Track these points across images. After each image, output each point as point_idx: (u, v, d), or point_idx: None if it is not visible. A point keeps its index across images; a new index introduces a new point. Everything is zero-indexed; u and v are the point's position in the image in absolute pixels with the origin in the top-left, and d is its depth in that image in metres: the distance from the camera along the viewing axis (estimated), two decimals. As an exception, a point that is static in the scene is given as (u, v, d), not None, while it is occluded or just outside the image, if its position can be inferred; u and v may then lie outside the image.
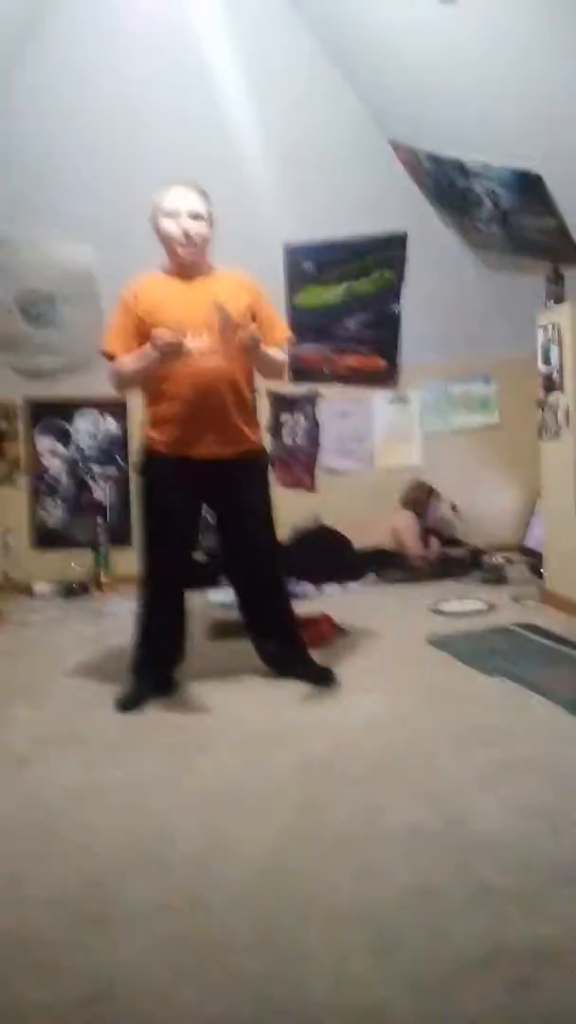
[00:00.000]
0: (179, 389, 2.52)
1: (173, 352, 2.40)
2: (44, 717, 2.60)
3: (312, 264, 4.77)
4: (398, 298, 4.88)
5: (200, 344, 2.48)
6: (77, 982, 1.28)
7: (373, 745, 2.20)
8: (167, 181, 2.56)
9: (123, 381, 2.62)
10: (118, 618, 3.91)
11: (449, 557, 4.68)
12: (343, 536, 4.69)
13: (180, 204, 2.50)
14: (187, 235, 2.50)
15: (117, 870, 1.62)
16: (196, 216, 2.51)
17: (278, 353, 2.70)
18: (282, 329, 2.79)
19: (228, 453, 2.60)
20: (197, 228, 2.51)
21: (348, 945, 1.34)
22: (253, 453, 2.69)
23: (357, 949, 1.33)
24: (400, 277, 4.81)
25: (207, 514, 2.79)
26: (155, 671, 2.72)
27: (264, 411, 4.57)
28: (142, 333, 2.51)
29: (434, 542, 4.77)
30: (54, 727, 2.50)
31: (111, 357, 2.59)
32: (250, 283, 2.67)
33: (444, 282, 4.75)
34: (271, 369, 2.71)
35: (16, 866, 1.67)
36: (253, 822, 1.79)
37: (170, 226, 2.50)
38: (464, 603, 3.81)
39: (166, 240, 2.53)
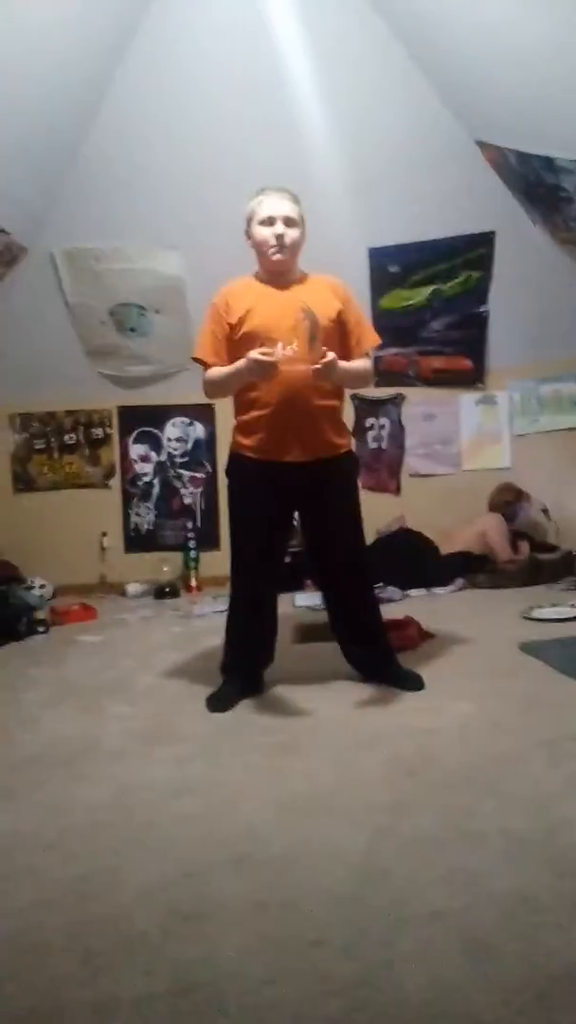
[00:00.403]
0: (268, 396, 2.54)
1: (265, 373, 2.41)
2: (137, 714, 2.68)
3: (398, 267, 4.75)
4: (485, 298, 4.81)
5: (289, 352, 2.49)
6: (171, 975, 1.32)
7: (463, 750, 2.17)
8: (259, 187, 2.59)
9: (215, 391, 2.65)
10: (207, 619, 3.99)
11: (539, 562, 4.56)
12: (428, 540, 4.64)
13: (275, 210, 2.51)
14: (281, 241, 2.51)
15: (210, 866, 1.66)
16: (290, 222, 2.53)
17: (363, 363, 2.68)
18: (370, 335, 2.75)
19: (315, 458, 2.60)
20: (291, 234, 2.52)
21: (442, 950, 1.33)
22: (340, 458, 2.69)
23: (451, 954, 1.31)
24: (487, 277, 4.74)
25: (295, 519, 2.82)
26: (244, 672, 2.76)
27: (348, 415, 4.57)
28: (232, 339, 2.56)
29: (524, 546, 4.66)
30: (147, 724, 2.57)
31: (203, 364, 2.63)
32: (341, 288, 2.67)
33: (532, 281, 4.65)
34: (356, 380, 2.73)
35: (113, 859, 1.72)
36: (344, 823, 1.80)
37: (264, 232, 2.52)
38: (557, 609, 3.70)
39: (259, 246, 2.56)
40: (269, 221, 2.52)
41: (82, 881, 1.64)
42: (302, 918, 1.45)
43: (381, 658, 2.80)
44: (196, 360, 2.67)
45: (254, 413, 2.60)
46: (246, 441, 2.65)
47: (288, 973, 1.30)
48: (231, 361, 2.55)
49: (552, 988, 1.22)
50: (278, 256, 2.53)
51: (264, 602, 2.76)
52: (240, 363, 2.46)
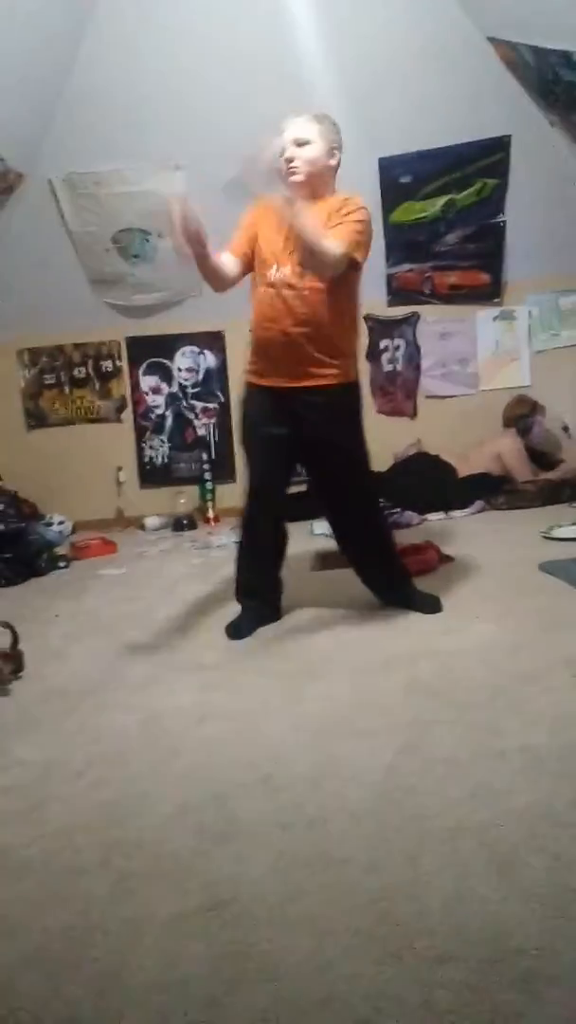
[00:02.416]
0: (260, 319, 2.52)
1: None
2: (160, 644, 2.71)
3: (410, 177, 4.55)
4: (502, 208, 4.61)
5: (282, 274, 2.45)
6: (201, 892, 1.35)
7: (485, 670, 2.17)
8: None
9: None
10: (225, 549, 4.00)
11: (558, 481, 4.49)
12: (446, 463, 4.58)
13: (288, 132, 2.44)
14: (289, 162, 2.43)
15: (237, 788, 1.69)
16: (301, 142, 2.43)
17: (321, 234, 2.36)
18: (342, 233, 2.38)
19: (306, 385, 2.52)
20: (302, 154, 2.43)
21: (467, 864, 1.35)
22: (334, 386, 2.55)
23: (476, 868, 1.34)
24: (504, 185, 4.53)
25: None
26: (259, 599, 2.78)
27: (363, 337, 4.46)
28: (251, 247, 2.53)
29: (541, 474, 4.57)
30: (170, 653, 2.60)
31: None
32: (340, 205, 2.46)
33: (552, 187, 4.44)
34: (314, 245, 2.31)
35: (142, 783, 1.76)
36: (365, 743, 1.82)
37: (280, 165, 2.44)
38: (576, 527, 3.66)
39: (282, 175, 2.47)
40: (285, 143, 2.44)
41: (112, 806, 1.68)
42: (326, 836, 1.48)
43: (396, 583, 2.80)
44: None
45: (256, 335, 2.58)
46: (250, 365, 2.64)
47: (313, 889, 1.33)
48: (246, 255, 2.53)
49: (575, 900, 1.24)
50: (292, 179, 2.45)
51: (267, 528, 2.75)
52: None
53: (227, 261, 2.51)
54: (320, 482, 2.78)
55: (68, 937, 1.28)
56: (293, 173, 2.44)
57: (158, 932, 1.27)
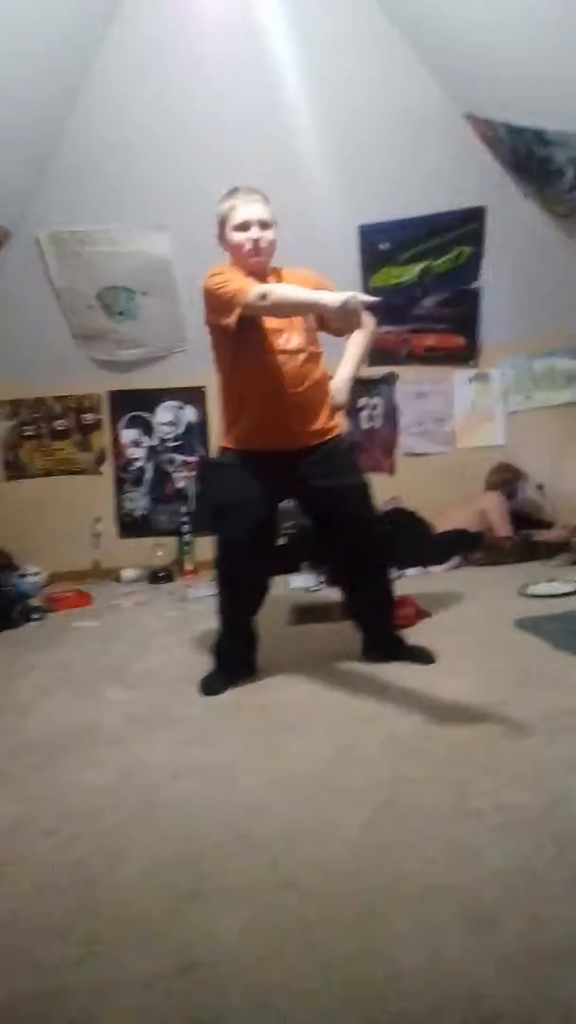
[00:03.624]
0: (265, 386, 2.53)
1: (351, 315, 2.14)
2: (135, 698, 2.68)
3: (389, 243, 4.70)
4: (477, 274, 4.77)
5: (297, 342, 2.53)
6: (173, 954, 1.32)
7: (462, 727, 2.17)
8: (229, 189, 2.56)
9: (281, 308, 2.38)
10: (202, 602, 3.98)
11: (537, 540, 4.55)
12: (423, 519, 4.63)
13: (250, 215, 2.49)
14: (257, 246, 2.50)
15: (211, 847, 1.66)
16: (264, 225, 2.51)
17: (360, 339, 2.71)
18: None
19: (315, 442, 2.61)
20: (266, 236, 2.51)
21: (443, 924, 1.33)
22: (337, 438, 2.70)
23: (452, 928, 1.32)
24: (479, 253, 4.69)
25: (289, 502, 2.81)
26: (236, 655, 2.77)
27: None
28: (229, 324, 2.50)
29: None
30: (145, 708, 2.57)
31: (240, 304, 2.37)
32: (316, 279, 2.60)
33: (525, 256, 4.60)
34: (367, 352, 2.75)
35: (114, 842, 1.73)
36: (343, 800, 1.80)
37: (239, 237, 2.50)
38: (553, 585, 3.71)
39: (235, 250, 2.53)
40: (244, 226, 2.50)
41: (83, 865, 1.64)
42: (302, 896, 1.46)
43: (394, 634, 2.85)
44: (240, 304, 2.36)
45: (249, 402, 2.58)
46: (239, 432, 2.63)
47: (288, 951, 1.31)
48: (233, 342, 2.49)
49: (551, 960, 1.22)
50: (255, 259, 2.52)
51: (249, 585, 2.75)
52: (328, 296, 2.17)
53: None
54: (338, 530, 2.74)
55: (37, 1000, 1.24)
56: (259, 253, 2.51)
57: (129, 995, 1.23)
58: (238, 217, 2.50)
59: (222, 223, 2.54)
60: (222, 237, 2.57)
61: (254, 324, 2.47)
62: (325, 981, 1.22)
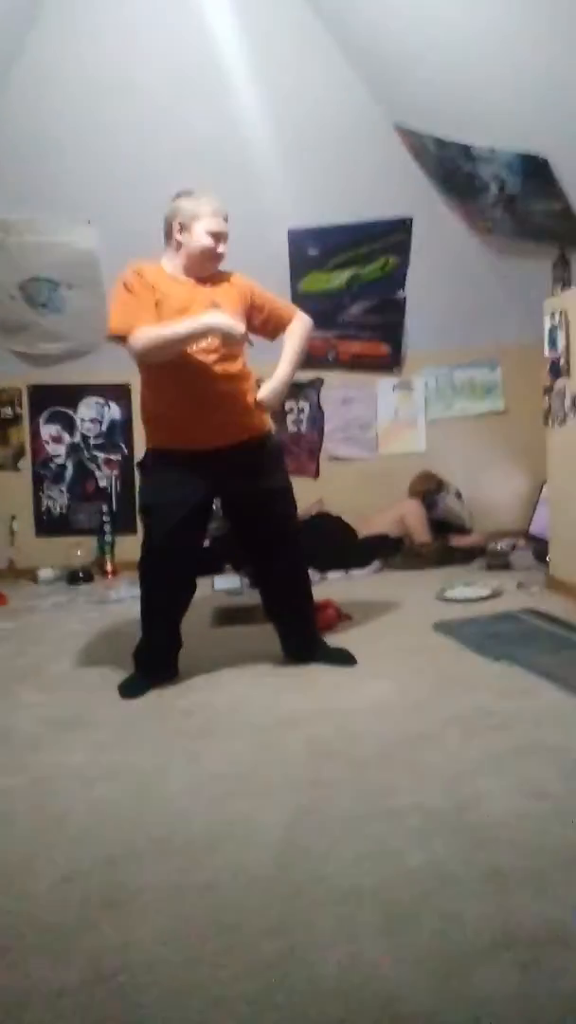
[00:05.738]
0: (185, 386, 2.54)
1: (231, 340, 2.47)
2: (52, 701, 2.61)
3: (317, 250, 4.74)
4: (403, 284, 4.86)
5: (207, 342, 2.51)
6: (87, 964, 1.28)
7: (381, 729, 2.20)
8: (201, 190, 2.59)
9: (158, 349, 2.47)
10: (123, 603, 3.92)
11: (455, 545, 4.67)
12: (346, 523, 4.68)
13: (222, 228, 2.57)
14: (220, 257, 2.60)
15: (127, 853, 1.63)
16: (225, 237, 2.60)
17: (295, 338, 2.75)
18: (287, 306, 2.86)
19: (239, 440, 2.61)
20: (224, 248, 2.61)
21: (360, 926, 1.34)
22: (263, 437, 2.72)
23: (369, 931, 1.33)
24: (405, 263, 4.78)
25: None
26: (157, 658, 2.73)
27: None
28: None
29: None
30: (62, 711, 2.50)
31: (124, 336, 2.52)
32: (246, 286, 2.70)
33: (450, 268, 4.72)
34: (301, 354, 2.77)
35: (27, 848, 1.67)
36: (262, 804, 1.80)
37: (208, 242, 2.55)
38: (469, 590, 3.80)
39: (196, 249, 2.56)
40: (218, 236, 2.56)
41: (-8, 874, 1.58)
42: (221, 900, 1.44)
43: (315, 636, 2.86)
44: (116, 336, 2.57)
45: (170, 402, 2.59)
46: (164, 431, 2.63)
47: (207, 957, 1.29)
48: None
49: (467, 958, 1.25)
50: (213, 267, 2.62)
51: (175, 587, 2.72)
52: (198, 323, 2.44)
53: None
54: (259, 532, 2.76)
55: None
56: (218, 261, 2.62)
57: (39, 1008, 1.19)
58: (214, 226, 2.56)
59: (190, 219, 2.54)
60: (183, 228, 2.56)
61: (168, 314, 2.51)
62: (244, 986, 1.21)
